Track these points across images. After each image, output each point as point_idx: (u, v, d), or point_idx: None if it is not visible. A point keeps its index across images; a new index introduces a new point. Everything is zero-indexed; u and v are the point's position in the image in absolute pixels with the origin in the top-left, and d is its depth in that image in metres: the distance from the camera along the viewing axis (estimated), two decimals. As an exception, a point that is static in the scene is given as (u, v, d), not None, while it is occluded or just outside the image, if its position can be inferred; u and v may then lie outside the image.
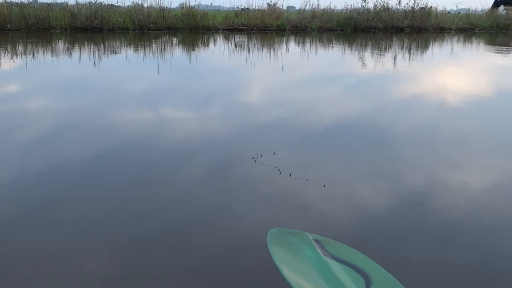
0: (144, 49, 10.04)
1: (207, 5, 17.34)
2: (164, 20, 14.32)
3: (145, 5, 14.84)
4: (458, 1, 30.87)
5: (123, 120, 3.83)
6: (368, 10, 16.20)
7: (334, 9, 17.18)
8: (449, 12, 19.56)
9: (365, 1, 15.89)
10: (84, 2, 14.26)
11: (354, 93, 5.42)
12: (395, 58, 8.99)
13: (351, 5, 17.75)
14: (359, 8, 16.13)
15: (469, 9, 22.66)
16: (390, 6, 16.31)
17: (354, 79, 6.51)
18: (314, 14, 16.42)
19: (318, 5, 18.62)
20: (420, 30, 16.30)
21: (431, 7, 16.43)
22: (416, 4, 16.46)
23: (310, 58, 9.10)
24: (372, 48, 11.29)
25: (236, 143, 3.17)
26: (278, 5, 16.24)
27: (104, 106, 4.45)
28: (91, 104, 4.46)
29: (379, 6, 16.19)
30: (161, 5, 14.73)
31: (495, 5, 21.42)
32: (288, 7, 19.73)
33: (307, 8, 17.34)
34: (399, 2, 16.39)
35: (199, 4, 15.17)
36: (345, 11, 16.97)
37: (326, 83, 6.16)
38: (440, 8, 17.47)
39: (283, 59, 8.73)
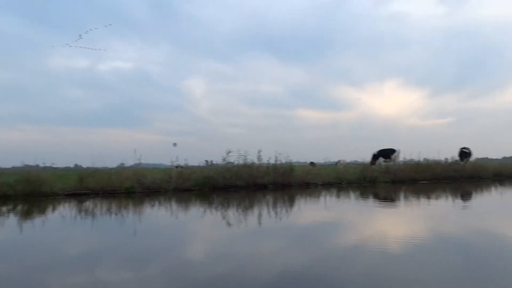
0: None
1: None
2: (-8, 187, 13.05)
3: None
4: (325, 156, 33.28)
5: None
6: (227, 168, 16.08)
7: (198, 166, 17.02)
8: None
9: (224, 160, 15.92)
10: None
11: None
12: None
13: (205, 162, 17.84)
14: (217, 165, 16.03)
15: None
16: (251, 163, 16.38)
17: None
18: (181, 174, 16.00)
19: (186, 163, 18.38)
20: (285, 186, 16.30)
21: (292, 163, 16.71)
22: (277, 160, 16.74)
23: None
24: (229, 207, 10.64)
25: None
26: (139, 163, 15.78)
27: None
28: None
29: (239, 163, 16.20)
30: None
31: (374, 158, 22.74)
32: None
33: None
34: (258, 158, 16.60)
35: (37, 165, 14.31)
36: (201, 168, 16.81)
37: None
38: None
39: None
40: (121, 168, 15.18)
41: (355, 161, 24.66)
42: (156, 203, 12.33)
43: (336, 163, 33.26)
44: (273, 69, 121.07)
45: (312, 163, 39.12)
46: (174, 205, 11.76)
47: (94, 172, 14.88)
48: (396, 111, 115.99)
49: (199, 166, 18.24)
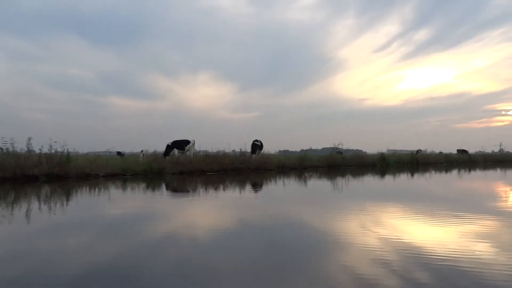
0: None
1: None
2: None
3: None
4: (112, 145, 33.18)
5: None
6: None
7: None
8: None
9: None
10: None
11: None
12: None
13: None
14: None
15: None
16: (18, 151, 14.90)
17: None
18: None
19: None
20: (60, 178, 15.31)
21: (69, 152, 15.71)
22: (52, 148, 15.56)
23: None
24: None
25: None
26: None
27: None
28: None
29: (2, 151, 14.59)
30: None
31: (168, 149, 22.93)
32: None
33: None
34: (28, 146, 15.22)
35: None
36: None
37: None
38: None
39: None
40: None
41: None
42: None
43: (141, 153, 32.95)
44: (83, 52, 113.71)
45: (119, 153, 38.01)
46: None
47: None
48: (208, 103, 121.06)
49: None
